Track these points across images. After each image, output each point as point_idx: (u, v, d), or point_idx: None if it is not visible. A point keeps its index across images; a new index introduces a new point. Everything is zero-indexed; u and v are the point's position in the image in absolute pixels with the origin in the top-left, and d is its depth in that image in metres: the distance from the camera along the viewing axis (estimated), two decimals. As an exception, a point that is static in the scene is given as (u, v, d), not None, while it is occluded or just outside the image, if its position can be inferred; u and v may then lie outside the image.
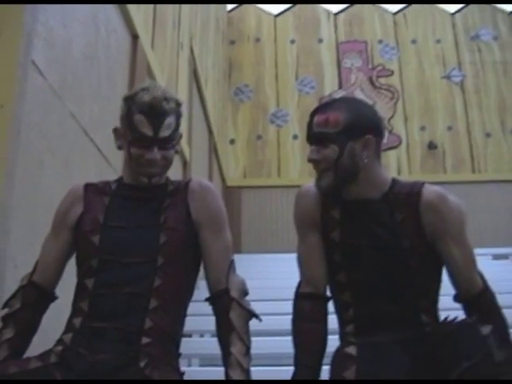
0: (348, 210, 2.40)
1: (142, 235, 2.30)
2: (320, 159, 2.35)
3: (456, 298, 2.37)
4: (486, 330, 2.08)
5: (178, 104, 2.42)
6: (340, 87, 12.63)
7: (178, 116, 2.41)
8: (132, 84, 4.85)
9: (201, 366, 4.32)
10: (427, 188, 2.36)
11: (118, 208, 2.39)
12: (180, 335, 2.35)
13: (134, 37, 5.00)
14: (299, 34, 13.07)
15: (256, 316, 2.31)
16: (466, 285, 2.33)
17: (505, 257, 9.73)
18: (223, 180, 11.28)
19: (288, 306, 4.33)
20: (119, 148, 2.47)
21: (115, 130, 2.46)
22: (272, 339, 4.11)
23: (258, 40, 13.09)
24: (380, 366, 2.10)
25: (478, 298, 2.32)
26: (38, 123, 3.09)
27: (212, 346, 4.51)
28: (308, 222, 2.46)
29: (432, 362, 2.11)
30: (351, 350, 2.22)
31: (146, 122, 2.30)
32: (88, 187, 2.49)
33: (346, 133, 2.32)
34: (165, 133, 2.33)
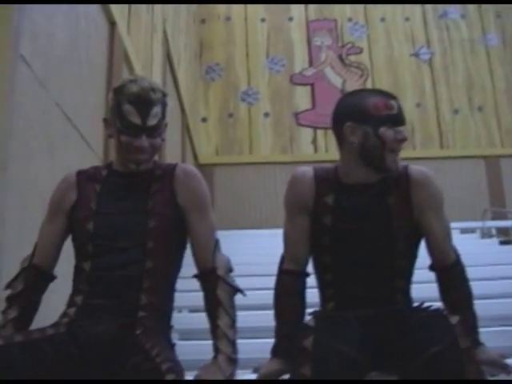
0: (344, 194, 2.54)
1: (132, 221, 2.46)
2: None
3: (431, 268, 2.55)
4: (454, 319, 2.24)
5: (164, 94, 2.56)
6: (310, 65, 12.71)
7: (164, 106, 2.55)
8: (110, 70, 5.01)
9: (180, 339, 4.52)
10: (412, 168, 2.54)
11: (108, 195, 2.54)
12: (171, 309, 2.53)
13: (112, 24, 5.13)
14: (270, 12, 13.09)
15: (241, 291, 2.48)
16: (441, 256, 2.51)
17: (472, 231, 9.98)
18: (195, 158, 11.35)
19: (261, 281, 4.53)
20: (109, 137, 2.61)
21: (105, 120, 2.61)
22: (251, 313, 4.31)
23: (228, 19, 13.11)
24: (335, 336, 2.21)
25: (450, 268, 2.51)
26: (25, 113, 3.24)
27: (190, 321, 4.73)
28: (299, 205, 2.58)
29: (402, 342, 2.24)
30: (311, 322, 2.35)
31: (135, 112, 2.44)
32: (80, 174, 2.61)
33: None
34: (152, 121, 2.47)
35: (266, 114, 12.27)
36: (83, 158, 4.14)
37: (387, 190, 2.52)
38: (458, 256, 2.55)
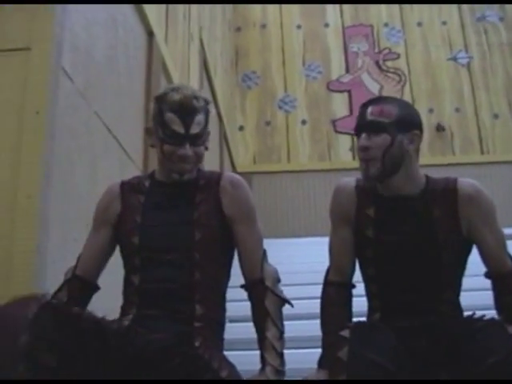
0: (384, 207, 2.54)
1: (178, 233, 2.46)
2: (371, 146, 2.48)
3: (487, 275, 2.53)
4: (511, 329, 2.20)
5: (207, 102, 2.57)
6: (347, 72, 12.67)
7: (207, 113, 2.56)
8: (149, 80, 5.04)
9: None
10: (462, 182, 2.52)
11: (153, 206, 2.55)
12: (224, 321, 2.54)
13: (150, 33, 5.17)
14: (305, 19, 13.03)
15: (288, 302, 2.49)
16: (496, 264, 2.49)
17: (514, 238, 9.85)
18: (233, 166, 11.34)
19: (307, 290, 4.51)
20: (151, 146, 2.63)
21: (147, 130, 2.63)
22: (299, 323, 4.30)
23: (263, 26, 13.09)
24: (369, 346, 2.19)
25: (507, 276, 2.47)
26: (67, 125, 3.28)
27: (229, 330, 4.72)
28: (342, 216, 2.61)
29: (455, 353, 2.24)
30: (346, 333, 2.31)
31: (178, 120, 2.45)
32: (124, 185, 2.65)
33: (397, 124, 2.48)
34: (195, 129, 2.48)
35: (304, 122, 12.25)
36: (123, 168, 4.18)
37: (432, 203, 2.50)
38: None
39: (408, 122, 2.52)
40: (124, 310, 2.47)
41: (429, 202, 2.50)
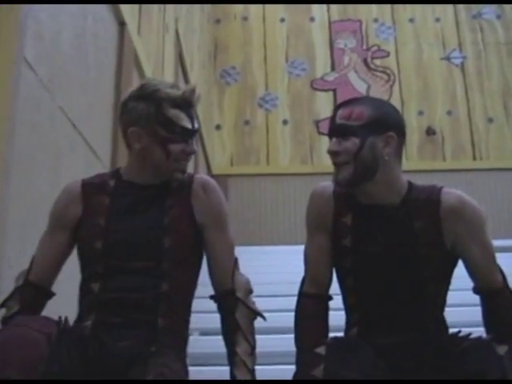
0: (362, 215, 2.52)
1: (147, 238, 2.43)
2: (340, 151, 2.47)
3: (474, 290, 2.52)
4: (502, 350, 2.21)
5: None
6: (333, 69, 12.68)
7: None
8: (119, 73, 5.02)
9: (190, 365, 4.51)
10: (446, 193, 2.50)
11: (119, 209, 2.50)
12: (188, 334, 2.53)
13: (121, 23, 5.15)
14: (289, 12, 13.02)
15: (261, 315, 2.49)
16: (485, 280, 2.48)
17: (508, 249, 9.88)
18: (208, 168, 11.29)
19: (282, 302, 4.52)
20: (141, 150, 2.50)
21: (131, 133, 2.49)
22: (272, 337, 4.30)
23: (245, 19, 13.07)
24: (347, 364, 2.19)
25: (497, 293, 2.46)
26: (28, 120, 3.25)
27: (201, 345, 4.71)
28: (318, 223, 2.60)
29: (441, 374, 2.25)
30: (322, 350, 2.30)
31: (184, 116, 2.45)
32: (85, 186, 2.58)
33: (368, 127, 2.46)
34: (197, 124, 2.51)
35: (285, 122, 12.24)
36: (89, 168, 4.14)
37: (413, 214, 2.48)
38: (505, 280, 2.51)
39: (382, 124, 2.49)
40: (81, 317, 2.43)
41: (410, 212, 2.49)
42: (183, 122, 2.45)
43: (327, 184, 2.63)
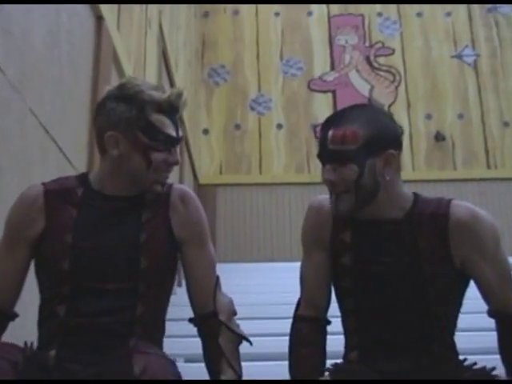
0: (363, 231, 2.50)
1: (120, 257, 2.38)
2: (338, 180, 2.42)
3: (489, 313, 2.48)
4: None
5: None
6: (332, 69, 12.70)
7: None
8: (96, 72, 5.01)
9: None
10: (456, 206, 2.46)
11: (88, 223, 2.42)
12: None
13: (98, 18, 5.12)
14: (285, 5, 13.05)
15: (246, 339, 2.47)
16: (499, 303, 2.43)
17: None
18: (195, 177, 11.29)
19: (276, 326, 4.52)
20: (118, 157, 2.43)
21: (109, 137, 2.41)
22: (262, 364, 4.29)
23: (235, 12, 13.09)
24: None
25: None
26: (-4, 123, 3.26)
27: (186, 371, 4.70)
28: (315, 240, 2.59)
29: None
30: (326, 376, 2.32)
31: (169, 122, 2.40)
32: (48, 194, 2.47)
33: (365, 149, 2.38)
34: (181, 132, 2.47)
35: (280, 126, 12.25)
36: (62, 175, 4.14)
37: (418, 229, 2.47)
38: None
39: (379, 142, 2.41)
40: (42, 345, 2.37)
41: (414, 227, 2.47)
42: (167, 129, 2.40)
43: (324, 197, 2.60)
